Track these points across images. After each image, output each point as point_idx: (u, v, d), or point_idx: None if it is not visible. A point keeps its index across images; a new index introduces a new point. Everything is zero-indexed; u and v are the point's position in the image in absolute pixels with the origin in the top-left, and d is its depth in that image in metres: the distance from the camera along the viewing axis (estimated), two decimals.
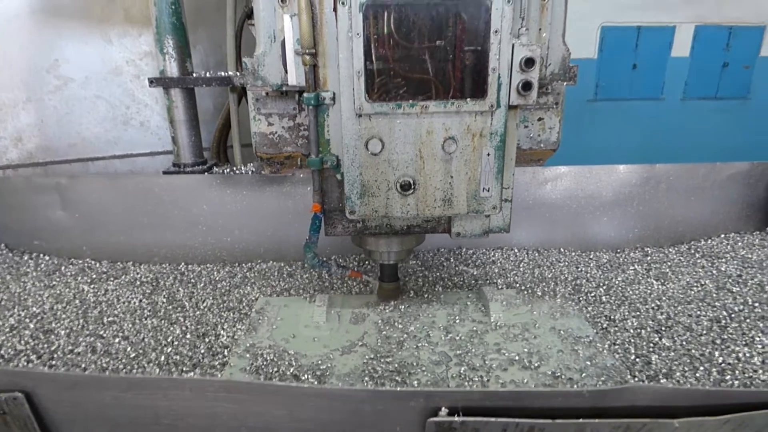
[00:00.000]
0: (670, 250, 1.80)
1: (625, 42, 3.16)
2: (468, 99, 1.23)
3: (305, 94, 1.28)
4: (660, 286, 1.50)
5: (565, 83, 1.32)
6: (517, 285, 1.55)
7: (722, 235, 1.86)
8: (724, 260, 1.64)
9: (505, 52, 1.21)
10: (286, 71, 1.30)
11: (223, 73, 1.90)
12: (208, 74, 1.89)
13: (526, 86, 1.23)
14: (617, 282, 1.56)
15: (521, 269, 1.67)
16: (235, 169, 1.90)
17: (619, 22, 3.10)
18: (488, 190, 1.24)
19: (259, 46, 1.31)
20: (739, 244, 1.77)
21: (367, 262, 1.74)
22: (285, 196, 1.80)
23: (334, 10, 1.23)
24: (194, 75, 1.88)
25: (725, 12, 3.08)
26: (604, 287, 1.52)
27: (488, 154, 1.26)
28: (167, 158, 2.13)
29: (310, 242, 1.35)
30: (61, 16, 1.86)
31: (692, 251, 1.78)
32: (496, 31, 1.19)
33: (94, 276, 1.57)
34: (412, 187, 1.25)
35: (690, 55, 3.18)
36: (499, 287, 1.53)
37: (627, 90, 3.27)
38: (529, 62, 1.21)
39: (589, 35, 3.13)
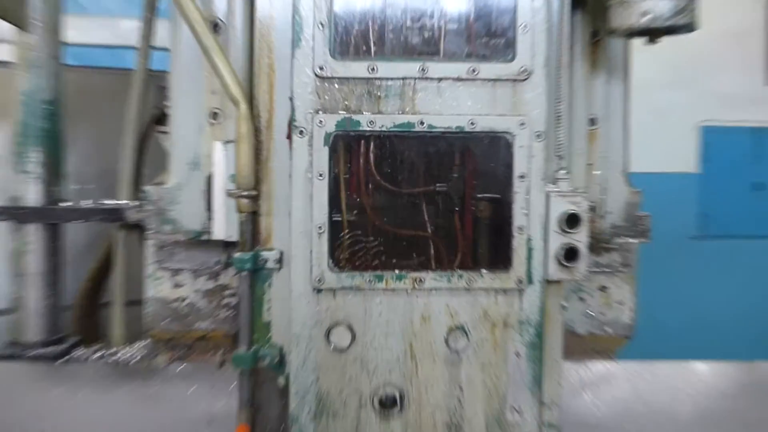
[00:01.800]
0: None
1: (739, 149, 2.81)
2: (484, 270, 1.32)
3: (237, 254, 1.36)
4: None
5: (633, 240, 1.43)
6: None
7: None
8: None
9: (536, 205, 1.32)
10: (210, 216, 1.42)
11: (110, 202, 1.72)
12: (86, 204, 1.70)
13: (571, 254, 1.31)
14: None
15: None
16: (111, 352, 1.75)
17: (729, 122, 2.83)
18: (519, 411, 1.25)
19: (173, 174, 1.44)
20: None
21: None
22: (161, 403, 1.66)
23: (288, 138, 1.35)
24: (66, 204, 1.69)
25: None
26: None
27: (518, 354, 1.30)
28: None
29: None
30: None
31: None
32: (522, 176, 1.32)
33: None
34: (399, 403, 1.28)
35: None
36: None
37: (747, 222, 2.87)
38: (572, 220, 1.30)
39: (685, 138, 2.81)
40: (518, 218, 1.33)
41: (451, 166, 1.40)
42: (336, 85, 1.31)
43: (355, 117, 1.31)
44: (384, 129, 1.32)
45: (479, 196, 1.39)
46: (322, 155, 1.31)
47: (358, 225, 1.37)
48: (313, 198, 1.31)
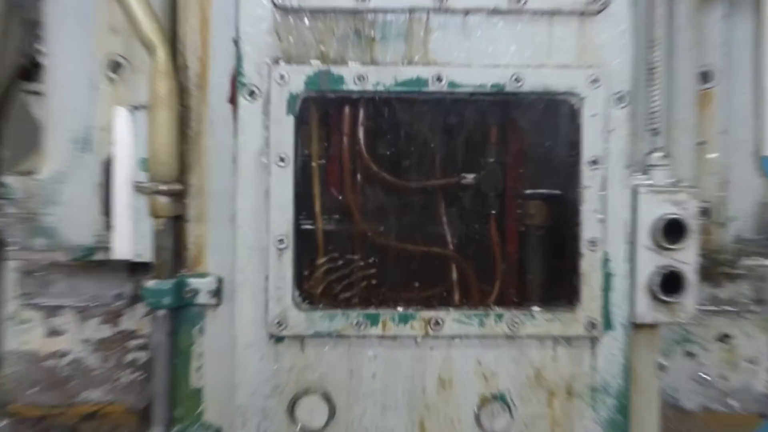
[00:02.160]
0: None
1: None
2: (536, 308, 1.30)
3: (151, 283, 1.34)
4: None
5: None
6: None
7: None
8: None
9: (617, 206, 1.29)
10: (108, 224, 1.37)
11: None
12: None
13: (672, 283, 1.28)
14: None
15: None
16: None
17: None
18: None
19: (50, 158, 1.40)
20: None
21: None
22: None
23: (232, 102, 1.34)
24: None
25: None
26: None
27: None
28: None
29: None
30: None
31: None
32: (594, 162, 1.27)
33: None
34: None
35: None
36: None
37: None
38: (674, 230, 1.27)
39: None
40: (589, 227, 1.27)
41: (483, 146, 1.35)
42: (306, 21, 1.25)
43: (336, 70, 1.24)
44: (381, 88, 1.24)
45: (528, 192, 1.36)
46: (285, 129, 1.24)
47: (341, 237, 1.34)
48: (271, 195, 1.25)
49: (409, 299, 1.33)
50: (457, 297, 1.34)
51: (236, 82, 1.26)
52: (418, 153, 1.35)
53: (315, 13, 1.25)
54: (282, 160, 1.25)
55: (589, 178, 1.27)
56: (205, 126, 1.39)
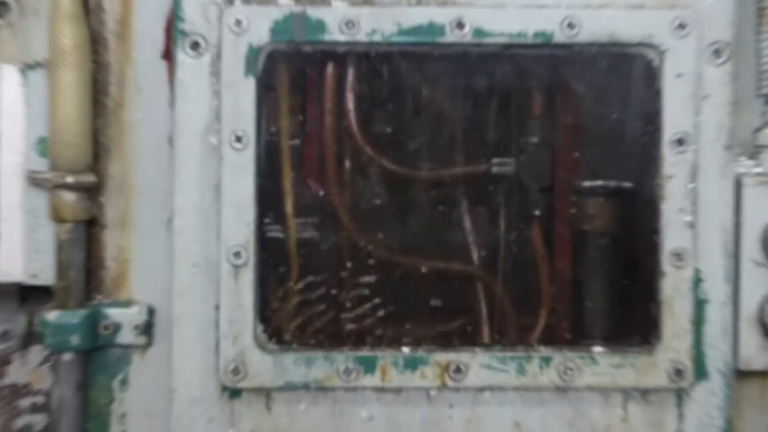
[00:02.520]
0: None
1: None
2: (597, 348, 1.31)
3: (51, 315, 1.35)
4: None
5: None
6: None
7: None
8: None
9: (712, 203, 1.29)
10: None
11: None
12: None
13: None
14: None
15: None
16: None
17: None
18: None
19: None
20: None
21: None
22: None
23: (166, 58, 1.34)
24: None
25: None
26: None
27: None
28: None
29: None
30: None
31: None
32: (680, 141, 1.27)
33: None
34: None
35: None
36: None
37: None
38: None
39: None
40: (673, 234, 1.27)
41: (523, 120, 1.36)
42: None
43: (315, 11, 1.24)
44: (378, 39, 1.25)
45: (586, 186, 1.36)
46: (243, 96, 1.25)
47: (323, 249, 1.36)
48: (224, 190, 1.25)
49: (419, 336, 1.34)
50: (486, 333, 1.35)
51: (172, 29, 1.27)
52: (430, 131, 1.37)
53: None
54: (239, 140, 1.25)
55: (672, 164, 1.27)
56: (129, 93, 1.39)
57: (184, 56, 1.26)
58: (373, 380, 1.28)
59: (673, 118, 1.27)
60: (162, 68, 1.37)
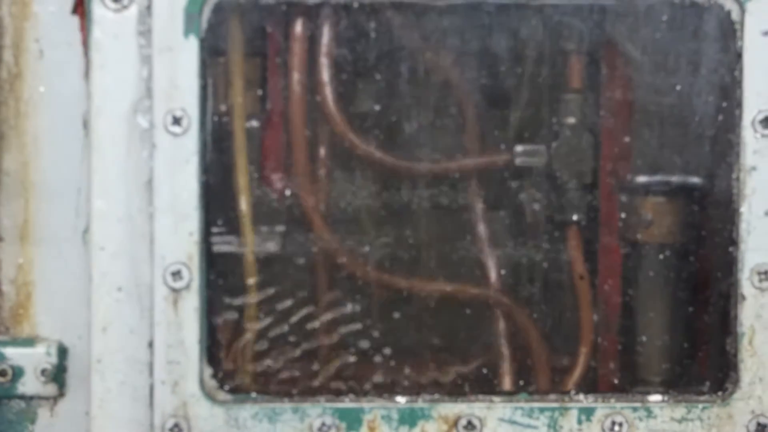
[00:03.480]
0: None
1: None
2: (654, 397, 1.31)
3: None
4: None
5: None
6: None
7: None
8: None
9: None
10: None
11: None
12: None
13: None
14: None
15: None
16: None
17: None
18: None
19: None
20: None
21: None
22: None
23: (78, 13, 1.34)
24: None
25: None
26: None
27: None
28: None
29: None
30: None
31: None
32: (765, 122, 1.26)
33: None
34: None
35: None
36: None
37: None
38: None
39: None
40: (756, 244, 1.26)
41: (556, 95, 1.37)
42: None
43: None
44: None
45: (640, 182, 1.38)
46: (182, 64, 1.23)
47: (291, 267, 1.37)
48: (157, 189, 1.23)
49: (419, 382, 1.36)
50: (508, 377, 1.35)
51: None
52: (433, 109, 1.37)
53: None
54: (177, 122, 1.23)
55: (756, 152, 1.25)
56: (28, 59, 1.37)
57: (101, 9, 1.21)
58: None
59: (758, 90, 1.24)
60: (73, 25, 1.34)
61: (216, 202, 1.29)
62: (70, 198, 1.36)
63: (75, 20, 1.34)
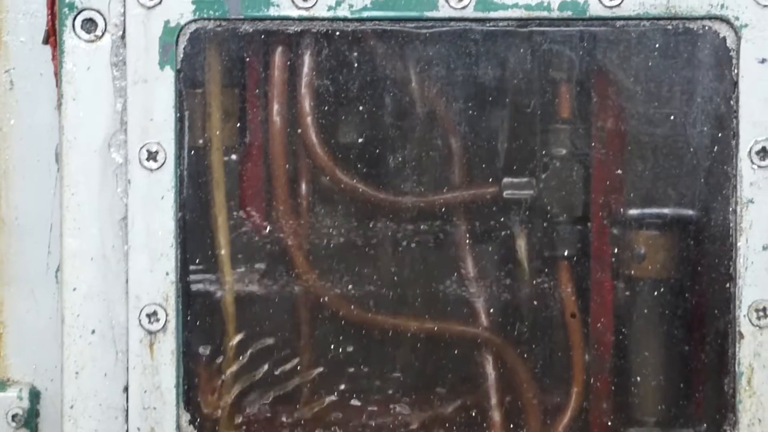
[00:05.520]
0: None
1: None
2: None
3: None
4: None
5: None
6: None
7: None
8: None
9: None
10: None
11: None
12: None
13: None
14: None
15: None
16: None
17: None
18: None
19: None
20: None
21: None
22: None
23: (51, 43, 1.33)
24: None
25: None
26: None
27: None
28: None
29: None
30: None
31: None
32: (762, 153, 1.26)
33: None
34: None
35: None
36: None
37: None
38: None
39: None
40: (753, 279, 1.25)
41: (546, 124, 1.35)
42: None
43: None
44: (345, 14, 1.23)
45: (633, 214, 1.36)
46: (158, 96, 1.22)
47: (272, 307, 1.36)
48: (132, 226, 1.23)
49: (406, 423, 1.36)
50: (497, 420, 1.34)
51: (56, 3, 1.25)
52: (418, 140, 1.36)
53: None
54: (152, 156, 1.22)
55: (754, 183, 1.24)
56: None
57: (73, 40, 1.21)
58: None
59: (754, 120, 1.23)
60: (45, 55, 1.35)
61: (193, 239, 1.28)
62: (42, 235, 1.37)
63: (47, 50, 1.34)
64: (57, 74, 1.25)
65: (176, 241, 1.23)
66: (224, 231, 1.31)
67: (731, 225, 1.24)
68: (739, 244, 1.23)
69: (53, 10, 1.25)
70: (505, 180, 1.34)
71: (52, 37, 1.28)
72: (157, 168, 1.20)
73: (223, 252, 1.31)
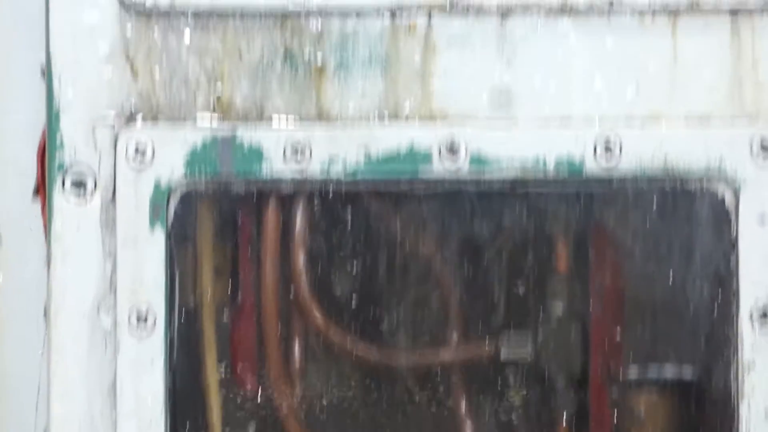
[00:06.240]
0: None
1: None
2: None
3: None
4: None
5: None
6: None
7: None
8: None
9: None
10: None
11: None
12: None
13: None
14: None
15: None
16: None
17: None
18: None
19: None
20: None
21: None
22: None
23: (40, 195, 1.35)
24: None
25: None
26: None
27: None
28: None
29: None
30: None
31: None
32: (764, 316, 1.24)
33: None
34: None
35: None
36: None
37: None
38: None
39: None
40: None
41: (542, 282, 1.37)
42: (187, 34, 1.24)
43: (249, 133, 1.21)
44: (338, 173, 1.23)
45: (631, 376, 1.38)
46: (147, 256, 1.21)
47: None
48: (121, 394, 1.20)
49: None
50: None
51: (46, 159, 1.25)
52: (412, 299, 1.37)
53: (204, 18, 1.23)
54: (142, 320, 1.20)
55: (754, 346, 1.21)
56: None
57: (62, 200, 1.20)
58: None
59: (754, 281, 1.21)
60: (34, 211, 1.36)
61: (183, 405, 1.26)
62: (29, 395, 1.38)
63: (36, 205, 1.37)
64: (46, 230, 1.25)
65: (165, 408, 1.20)
66: (215, 397, 1.31)
67: (732, 389, 1.22)
68: (741, 409, 1.21)
69: (43, 163, 1.26)
70: (502, 339, 1.35)
71: (42, 191, 1.29)
72: (147, 332, 1.19)
73: (213, 419, 1.31)
